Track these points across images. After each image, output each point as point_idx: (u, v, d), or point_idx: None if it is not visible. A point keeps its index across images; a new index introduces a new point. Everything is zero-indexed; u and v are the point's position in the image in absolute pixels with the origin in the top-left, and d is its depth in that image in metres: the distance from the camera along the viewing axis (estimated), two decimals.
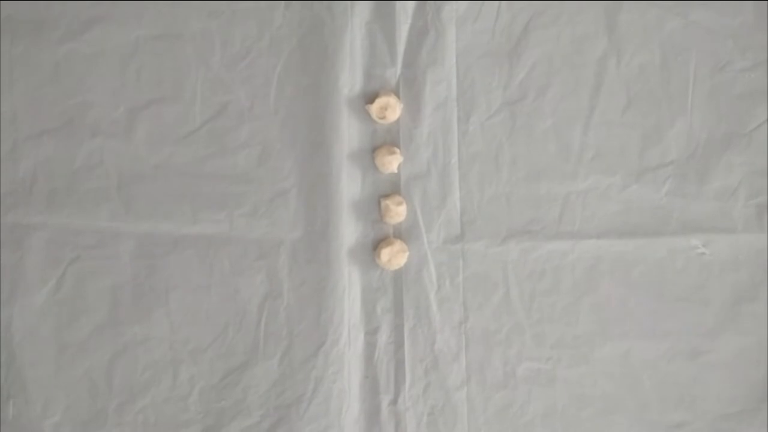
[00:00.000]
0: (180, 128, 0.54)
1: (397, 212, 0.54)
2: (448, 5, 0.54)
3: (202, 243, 0.54)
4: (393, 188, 0.55)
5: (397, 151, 0.54)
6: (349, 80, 0.54)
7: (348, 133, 0.54)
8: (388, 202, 0.54)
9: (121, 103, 0.54)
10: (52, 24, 0.54)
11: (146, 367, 0.53)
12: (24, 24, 0.53)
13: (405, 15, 0.54)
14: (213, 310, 0.54)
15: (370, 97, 0.54)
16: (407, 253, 0.54)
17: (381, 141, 0.55)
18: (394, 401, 0.54)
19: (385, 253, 0.53)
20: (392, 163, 0.54)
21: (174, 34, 0.54)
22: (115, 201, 0.53)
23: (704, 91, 0.55)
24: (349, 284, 0.54)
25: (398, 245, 0.53)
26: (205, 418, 0.53)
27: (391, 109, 0.53)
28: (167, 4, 0.54)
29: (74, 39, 0.54)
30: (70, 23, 0.54)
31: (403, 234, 0.55)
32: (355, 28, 0.54)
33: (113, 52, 0.54)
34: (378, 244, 0.54)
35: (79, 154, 0.53)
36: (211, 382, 0.53)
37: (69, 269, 0.53)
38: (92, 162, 0.54)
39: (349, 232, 0.54)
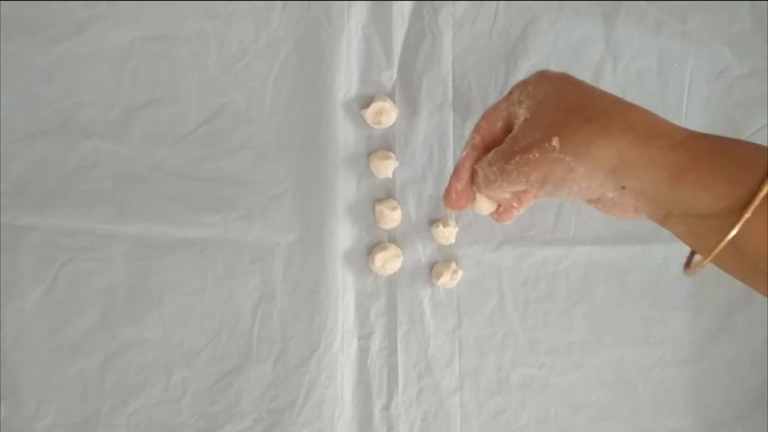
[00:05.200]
0: (175, 130, 0.54)
1: (392, 217, 0.53)
2: (445, 8, 0.54)
3: (196, 246, 0.53)
4: (388, 193, 0.55)
5: (393, 155, 0.54)
6: (345, 84, 0.54)
7: (343, 138, 0.54)
8: (383, 207, 0.53)
9: (116, 104, 0.53)
10: (47, 24, 0.53)
11: (139, 370, 0.53)
12: (19, 23, 0.53)
13: (402, 18, 0.54)
14: (207, 313, 0.53)
15: (366, 102, 0.54)
16: (401, 259, 0.54)
17: (376, 145, 0.55)
18: (387, 406, 0.54)
19: (380, 258, 0.53)
20: (387, 168, 0.53)
21: (170, 35, 0.54)
22: (110, 203, 0.53)
23: (701, 98, 0.55)
24: (343, 289, 0.54)
25: (392, 250, 0.53)
26: (197, 421, 0.53)
27: (386, 114, 0.53)
28: (163, 4, 0.53)
29: (69, 39, 0.53)
30: (65, 23, 0.53)
31: (398, 239, 0.54)
32: (352, 31, 0.54)
33: (109, 52, 0.53)
34: (372, 248, 0.54)
35: (73, 155, 0.53)
36: (204, 385, 0.53)
37: (62, 271, 0.53)
38: (86, 163, 0.53)
39: (343, 236, 0.54)
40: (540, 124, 0.37)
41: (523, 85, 0.40)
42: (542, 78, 0.39)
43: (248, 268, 0.53)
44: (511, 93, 0.40)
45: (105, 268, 0.53)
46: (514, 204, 0.44)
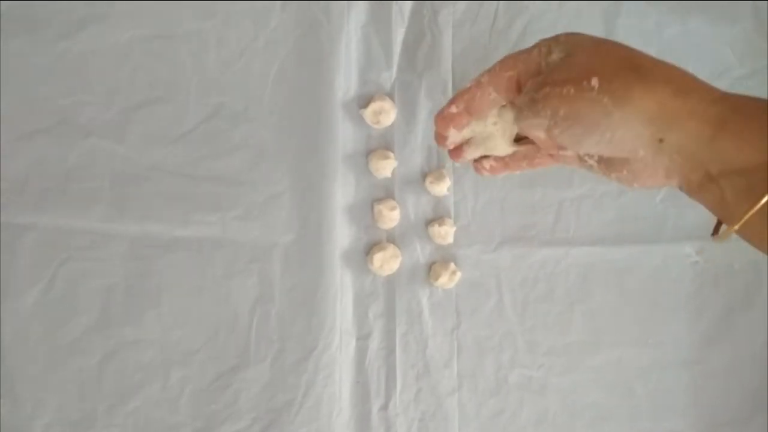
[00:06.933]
0: (174, 129, 0.54)
1: (391, 217, 0.53)
2: (445, 8, 0.54)
3: (194, 245, 0.53)
4: (387, 193, 0.54)
5: (392, 155, 0.54)
6: (344, 83, 0.54)
7: (342, 137, 0.54)
8: (382, 207, 0.53)
9: (114, 103, 0.53)
10: (46, 23, 0.53)
11: (137, 369, 0.53)
12: (18, 22, 0.53)
13: (401, 18, 0.54)
14: (205, 313, 0.53)
15: (365, 101, 0.54)
16: (400, 259, 0.54)
17: (375, 145, 0.54)
18: (385, 407, 0.54)
19: (378, 259, 0.53)
20: (386, 167, 0.53)
21: (169, 35, 0.54)
22: (108, 202, 0.53)
23: None
24: (342, 289, 0.54)
25: (391, 250, 0.53)
26: (195, 421, 0.53)
27: (385, 113, 0.53)
28: (162, 4, 0.53)
29: (69, 38, 0.53)
30: (64, 22, 0.53)
31: (396, 239, 0.54)
32: (351, 30, 0.54)
33: (108, 51, 0.53)
34: (371, 249, 0.54)
35: (71, 154, 0.53)
36: (201, 384, 0.53)
37: (60, 270, 0.53)
38: (85, 162, 0.53)
39: (342, 236, 0.54)
40: (577, 62, 0.36)
41: (553, 38, 0.38)
42: (575, 33, 0.38)
43: (246, 268, 0.53)
44: (537, 46, 0.39)
45: (103, 267, 0.53)
46: (508, 162, 0.44)
